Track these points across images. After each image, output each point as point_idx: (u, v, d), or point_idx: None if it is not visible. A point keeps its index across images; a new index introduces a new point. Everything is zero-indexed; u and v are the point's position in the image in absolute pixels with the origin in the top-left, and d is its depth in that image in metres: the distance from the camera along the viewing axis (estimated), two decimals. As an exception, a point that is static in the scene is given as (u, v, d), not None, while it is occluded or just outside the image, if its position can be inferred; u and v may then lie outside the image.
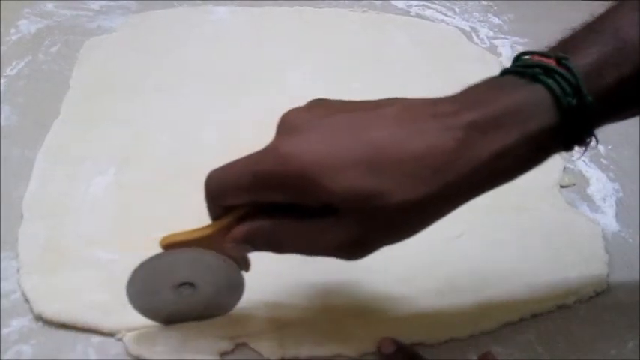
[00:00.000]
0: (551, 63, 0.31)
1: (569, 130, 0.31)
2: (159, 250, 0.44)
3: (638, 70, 0.31)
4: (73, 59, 0.59)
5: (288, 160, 0.29)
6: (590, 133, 0.32)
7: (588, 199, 0.50)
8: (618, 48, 0.31)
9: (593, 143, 0.32)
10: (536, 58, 0.32)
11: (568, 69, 0.31)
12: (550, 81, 0.30)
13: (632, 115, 0.34)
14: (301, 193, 0.30)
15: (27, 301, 0.40)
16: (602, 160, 0.54)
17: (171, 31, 0.64)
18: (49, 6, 0.66)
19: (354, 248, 0.32)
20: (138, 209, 0.46)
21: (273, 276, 0.42)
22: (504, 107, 0.30)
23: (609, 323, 0.41)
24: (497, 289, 0.42)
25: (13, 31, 0.62)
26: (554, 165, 0.53)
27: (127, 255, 0.42)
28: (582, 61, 0.31)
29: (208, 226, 0.33)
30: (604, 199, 0.50)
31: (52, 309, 0.39)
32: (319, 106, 0.33)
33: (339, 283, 0.42)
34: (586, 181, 0.52)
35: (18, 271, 0.41)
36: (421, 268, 0.43)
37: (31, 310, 0.39)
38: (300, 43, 0.63)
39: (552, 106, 0.30)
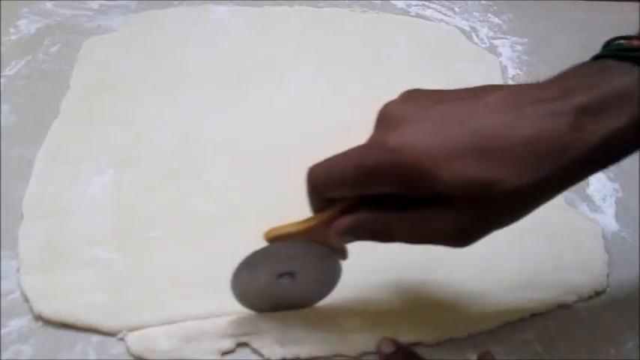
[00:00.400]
0: None
1: None
2: (158, 249, 0.44)
3: None
4: (73, 59, 0.59)
5: (398, 152, 0.30)
6: None
7: (588, 199, 0.50)
8: None
9: None
10: (637, 42, 0.32)
11: None
12: None
13: None
14: (413, 184, 0.30)
15: (26, 300, 0.40)
16: (601, 159, 0.53)
17: (171, 30, 0.64)
18: (49, 5, 0.65)
19: (464, 236, 0.32)
20: (137, 209, 0.46)
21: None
22: (613, 90, 0.30)
23: (609, 323, 0.41)
24: (496, 289, 0.42)
25: (12, 30, 0.62)
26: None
27: (126, 255, 0.43)
28: None
29: (310, 219, 0.34)
30: (604, 199, 0.50)
31: (52, 308, 0.39)
32: (419, 97, 0.33)
33: (338, 284, 0.42)
34: (586, 181, 0.52)
35: (17, 270, 0.41)
36: (420, 268, 0.43)
37: (31, 309, 0.39)
38: (300, 42, 0.63)
39: None
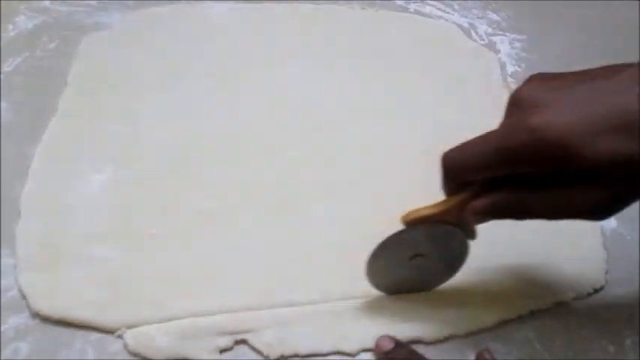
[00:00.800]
0: None
1: None
2: (156, 246, 0.44)
3: None
4: (71, 55, 0.59)
5: (542, 132, 0.31)
6: None
7: (587, 196, 0.50)
8: None
9: None
10: None
11: None
12: None
13: None
14: (557, 162, 0.31)
15: (24, 298, 0.40)
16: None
17: (169, 27, 0.64)
18: (46, 2, 0.65)
19: (607, 209, 0.33)
20: (135, 206, 0.46)
21: (270, 273, 0.42)
22: None
23: (608, 320, 0.41)
24: (495, 287, 0.42)
25: (10, 27, 0.62)
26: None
27: (124, 252, 0.43)
28: None
29: (444, 202, 0.36)
30: (603, 197, 0.50)
31: (50, 306, 0.39)
32: (550, 79, 0.34)
33: (337, 281, 0.42)
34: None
35: (15, 268, 0.41)
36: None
37: (28, 307, 0.39)
38: (299, 39, 0.63)
39: None
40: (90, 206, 0.46)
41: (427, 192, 0.49)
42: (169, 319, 0.39)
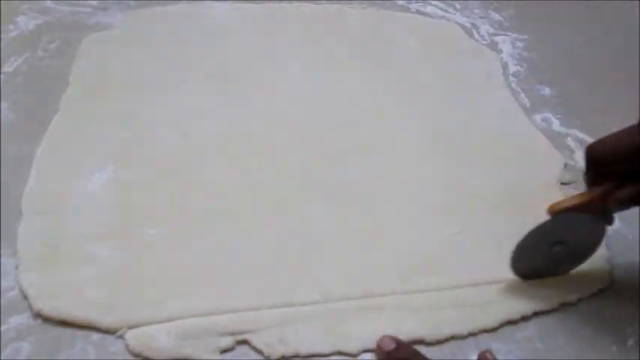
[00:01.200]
0: None
1: None
2: (157, 246, 0.44)
3: None
4: (72, 55, 0.59)
5: None
6: None
7: (589, 196, 0.50)
8: None
9: None
10: None
11: None
12: None
13: None
14: None
15: (25, 298, 0.40)
16: (602, 156, 0.53)
17: (170, 26, 0.64)
18: (48, 2, 0.65)
19: None
20: (137, 206, 0.46)
21: (271, 273, 0.42)
22: None
23: (610, 320, 0.41)
24: (497, 287, 0.42)
25: (11, 27, 0.62)
26: (555, 162, 0.52)
27: (125, 252, 0.43)
28: None
29: (588, 192, 0.40)
30: (605, 196, 0.50)
31: (51, 306, 0.39)
32: None
33: (338, 281, 0.42)
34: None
35: (16, 268, 0.41)
36: (421, 266, 0.43)
37: (30, 307, 0.39)
38: (300, 38, 0.63)
39: None
40: (91, 206, 0.45)
41: (427, 191, 0.49)
42: (170, 320, 0.39)
